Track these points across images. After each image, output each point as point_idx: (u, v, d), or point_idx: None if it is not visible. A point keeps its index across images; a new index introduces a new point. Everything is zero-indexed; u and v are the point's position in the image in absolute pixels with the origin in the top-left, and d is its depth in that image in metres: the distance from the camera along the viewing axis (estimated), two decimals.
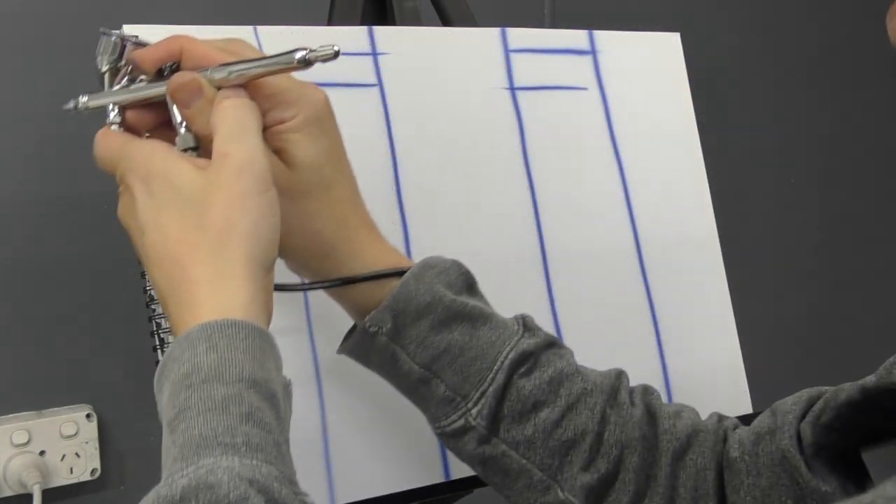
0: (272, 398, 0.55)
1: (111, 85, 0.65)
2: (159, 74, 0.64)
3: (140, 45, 0.65)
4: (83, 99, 0.65)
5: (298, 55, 0.61)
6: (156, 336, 0.72)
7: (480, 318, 0.68)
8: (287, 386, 0.58)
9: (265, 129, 0.63)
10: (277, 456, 0.52)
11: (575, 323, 0.88)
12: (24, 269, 1.08)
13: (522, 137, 0.88)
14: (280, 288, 0.65)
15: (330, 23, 0.89)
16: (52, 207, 1.10)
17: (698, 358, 0.92)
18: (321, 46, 0.61)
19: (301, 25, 0.81)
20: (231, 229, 0.57)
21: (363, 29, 0.84)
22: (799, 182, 1.74)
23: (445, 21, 0.94)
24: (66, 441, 1.09)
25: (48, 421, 1.08)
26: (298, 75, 0.64)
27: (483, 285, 0.79)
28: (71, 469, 1.09)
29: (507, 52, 0.90)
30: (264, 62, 0.62)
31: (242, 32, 0.78)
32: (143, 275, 0.72)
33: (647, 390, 0.72)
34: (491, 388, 0.67)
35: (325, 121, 0.66)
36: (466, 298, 0.68)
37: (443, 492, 0.80)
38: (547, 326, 0.86)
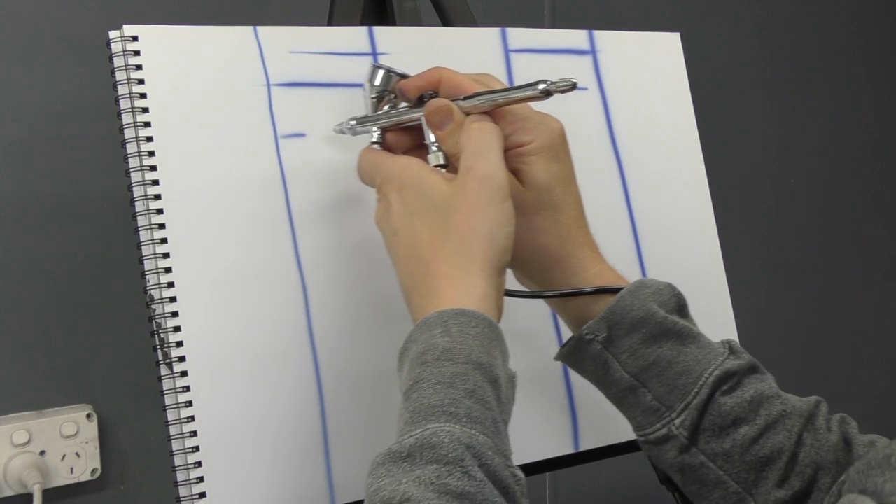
0: (494, 381, 0.61)
1: (375, 110, 0.75)
2: (419, 102, 0.74)
3: (403, 76, 0.75)
4: (352, 122, 0.76)
5: (541, 87, 0.68)
6: (156, 336, 0.72)
7: (689, 336, 0.72)
8: (513, 377, 0.65)
9: (506, 151, 0.70)
10: (494, 431, 0.59)
11: None
12: (23, 269, 1.08)
13: None
14: (511, 293, 0.72)
15: (330, 23, 0.89)
16: (52, 207, 1.09)
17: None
18: (560, 80, 0.68)
19: (301, 25, 0.81)
20: (472, 234, 0.65)
21: (363, 29, 0.84)
22: (799, 182, 1.74)
23: (445, 21, 0.94)
24: (66, 441, 1.09)
25: (48, 421, 1.08)
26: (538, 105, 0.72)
27: None
28: (71, 469, 1.09)
29: (507, 52, 0.90)
30: (509, 93, 0.70)
31: (242, 32, 0.78)
32: (143, 275, 0.72)
33: (844, 420, 0.74)
34: (694, 402, 0.71)
35: (559, 148, 0.73)
36: (677, 318, 0.73)
37: None
38: (547, 326, 0.86)
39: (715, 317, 0.96)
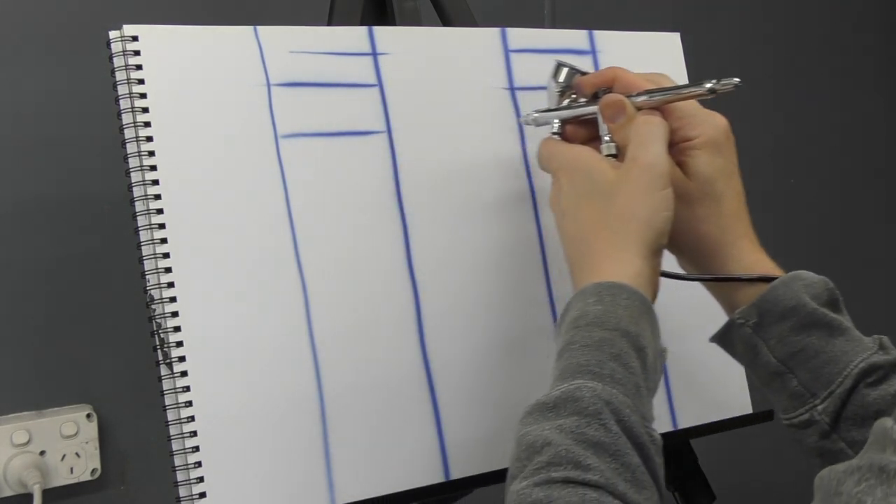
0: (640, 350, 0.66)
1: (557, 104, 0.82)
2: (594, 97, 0.79)
3: (582, 73, 0.82)
4: (535, 114, 0.83)
5: (707, 86, 0.75)
6: (156, 336, 0.72)
7: (838, 329, 0.74)
8: (662, 352, 0.70)
9: (673, 145, 0.77)
10: (635, 394, 0.64)
11: None
12: (23, 269, 1.08)
13: (522, 137, 0.88)
14: (667, 275, 0.77)
15: (330, 23, 0.89)
16: (52, 207, 1.09)
17: (698, 357, 0.92)
18: (725, 79, 0.74)
19: (301, 25, 0.81)
20: (631, 216, 0.71)
21: (363, 29, 0.84)
22: (799, 182, 1.74)
23: (445, 21, 0.94)
24: (66, 441, 1.09)
25: (48, 421, 1.08)
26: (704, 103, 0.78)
27: (482, 284, 0.79)
28: (71, 469, 1.09)
29: (507, 52, 0.90)
30: (677, 91, 0.77)
31: (242, 32, 0.78)
32: (143, 275, 0.72)
33: None
34: (838, 391, 0.73)
35: (723, 144, 0.80)
36: (828, 311, 0.75)
37: (443, 492, 0.80)
38: (547, 325, 0.86)
39: (715, 317, 0.96)
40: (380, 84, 0.83)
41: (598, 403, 0.61)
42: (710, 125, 0.79)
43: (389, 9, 0.91)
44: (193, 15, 1.12)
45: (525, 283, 0.86)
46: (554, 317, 0.87)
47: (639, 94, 0.77)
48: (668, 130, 0.75)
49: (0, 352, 1.08)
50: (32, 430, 1.07)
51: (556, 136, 0.81)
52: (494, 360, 0.84)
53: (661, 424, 0.90)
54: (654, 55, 0.98)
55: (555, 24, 1.42)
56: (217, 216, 0.75)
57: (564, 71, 0.82)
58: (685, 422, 0.92)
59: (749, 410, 0.95)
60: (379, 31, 0.84)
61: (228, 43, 0.78)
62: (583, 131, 0.80)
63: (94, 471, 1.10)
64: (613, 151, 0.76)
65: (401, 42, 0.85)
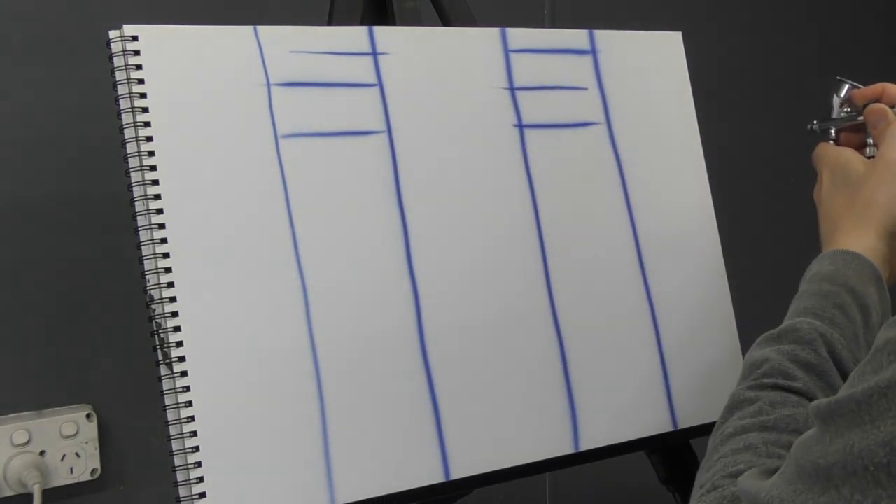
0: (864, 307, 0.75)
1: (837, 115, 0.92)
2: (865, 108, 0.88)
3: (856, 87, 0.91)
4: (817, 123, 0.93)
5: None
6: (156, 336, 0.72)
7: None
8: (890, 314, 0.77)
9: None
10: (853, 339, 0.72)
11: (575, 323, 0.88)
12: (24, 269, 1.08)
13: (522, 137, 0.88)
14: None
15: (330, 23, 0.89)
16: (52, 207, 1.09)
17: (698, 357, 0.93)
18: None
19: (301, 25, 0.81)
20: (872, 202, 0.80)
21: (363, 29, 0.84)
22: (799, 182, 1.74)
23: (445, 21, 0.94)
24: (66, 441, 1.09)
25: (48, 421, 1.08)
26: None
27: (482, 284, 0.79)
28: (71, 469, 1.09)
29: (507, 52, 0.90)
30: None
31: (242, 32, 0.78)
32: (143, 275, 0.72)
33: None
34: None
35: None
36: None
37: (443, 492, 0.80)
38: (547, 326, 0.86)
39: (715, 317, 0.96)
40: (380, 84, 0.83)
41: (814, 334, 0.71)
42: None
43: (389, 9, 0.91)
44: (193, 15, 1.12)
45: (525, 283, 0.86)
46: (554, 316, 0.87)
47: None
48: None
49: (0, 352, 1.08)
50: (32, 430, 1.07)
51: (831, 142, 0.91)
52: (494, 360, 0.84)
53: (662, 424, 0.90)
54: (655, 54, 0.98)
55: (555, 24, 1.42)
56: (217, 216, 0.75)
57: (844, 86, 0.92)
58: (685, 422, 0.92)
59: None
60: (379, 30, 0.84)
61: (228, 43, 0.78)
62: (855, 138, 0.90)
63: (93, 471, 1.10)
64: (875, 154, 0.85)
65: (401, 42, 0.84)
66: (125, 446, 1.13)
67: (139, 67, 0.74)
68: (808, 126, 0.96)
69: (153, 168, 0.73)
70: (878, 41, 1.83)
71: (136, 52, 0.74)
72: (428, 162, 0.84)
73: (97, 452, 1.10)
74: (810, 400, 0.68)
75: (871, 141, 0.87)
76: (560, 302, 0.87)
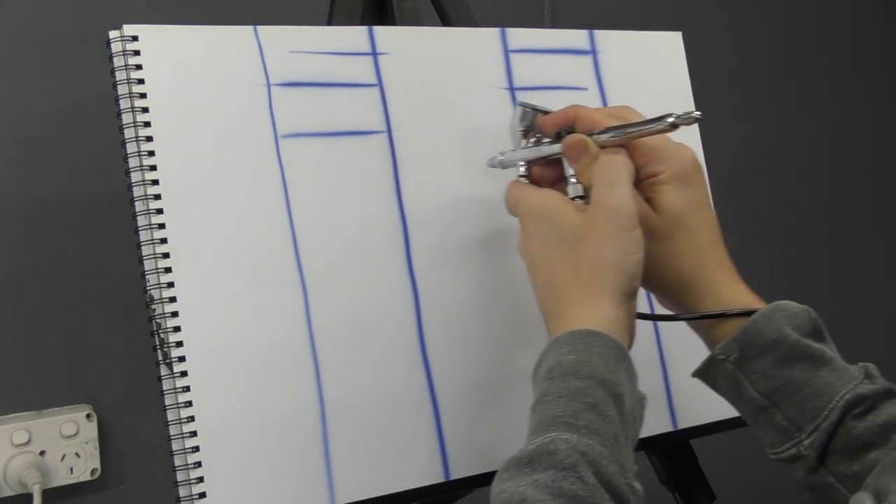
0: (618, 398, 0.64)
1: (520, 145, 0.80)
2: (558, 137, 0.77)
3: (544, 112, 0.79)
4: (500, 156, 0.81)
5: (668, 121, 0.73)
6: (156, 336, 0.72)
7: (822, 360, 0.72)
8: (642, 399, 0.68)
9: (641, 181, 0.75)
10: (614, 444, 0.62)
11: None
12: (23, 269, 1.08)
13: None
14: (641, 316, 0.75)
15: (330, 23, 0.89)
16: (52, 207, 1.09)
17: (698, 358, 0.93)
18: (685, 112, 0.72)
19: (301, 25, 0.81)
20: (600, 262, 0.69)
21: (363, 29, 0.84)
22: (799, 182, 1.74)
23: (445, 21, 0.94)
24: (66, 441, 1.09)
25: (48, 421, 1.08)
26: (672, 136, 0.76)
27: (482, 284, 0.79)
28: (71, 469, 1.09)
29: (507, 52, 0.90)
30: (638, 127, 0.74)
31: (242, 32, 0.78)
32: (143, 275, 0.72)
33: None
34: (824, 424, 0.71)
35: (690, 175, 0.77)
36: (811, 342, 0.73)
37: (443, 492, 0.80)
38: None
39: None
40: (380, 84, 0.83)
41: (574, 456, 0.59)
42: (676, 158, 0.77)
43: (389, 9, 0.91)
44: (193, 15, 1.12)
45: (525, 282, 0.86)
46: None
47: (601, 133, 0.75)
48: (632, 168, 0.74)
49: (0, 352, 1.08)
50: (32, 430, 1.07)
51: (523, 179, 0.79)
52: (495, 360, 0.84)
53: (661, 424, 0.90)
54: (656, 55, 0.98)
55: (555, 24, 1.42)
56: (217, 216, 0.75)
57: (526, 112, 0.80)
58: (685, 422, 0.92)
59: None
60: (379, 30, 0.84)
61: (228, 43, 0.78)
62: (551, 172, 0.78)
63: (93, 471, 1.10)
64: (580, 193, 0.75)
65: (401, 42, 0.85)
66: (125, 446, 1.13)
67: (139, 67, 0.74)
68: (489, 161, 0.82)
69: (153, 168, 0.73)
70: (879, 41, 1.83)
71: (136, 52, 0.74)
72: (428, 162, 0.84)
73: (97, 452, 1.10)
74: None
75: (573, 178, 0.75)
76: None
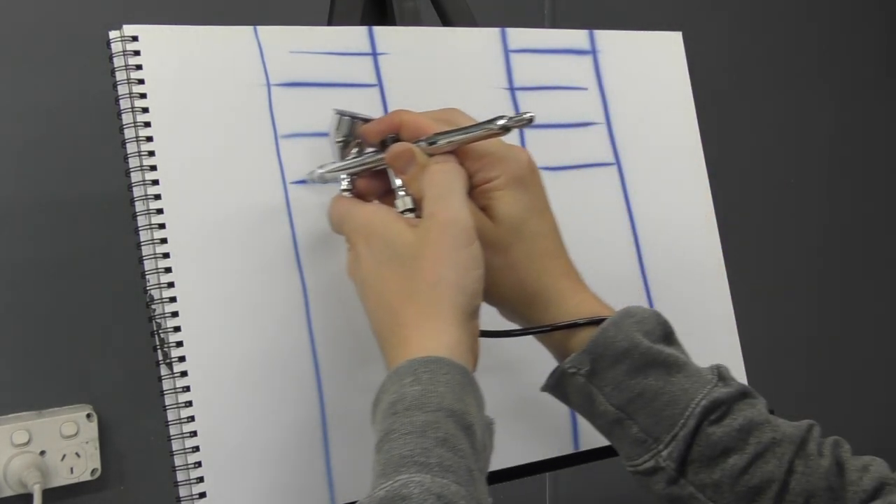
0: (468, 428, 0.60)
1: (342, 156, 0.74)
2: (383, 146, 0.72)
3: (366, 120, 0.74)
4: (320, 169, 0.75)
5: (499, 123, 0.68)
6: (156, 336, 0.72)
7: (675, 365, 0.71)
8: (490, 424, 0.64)
9: (474, 188, 0.71)
10: (469, 479, 0.57)
11: None
12: (23, 269, 1.08)
13: (522, 138, 0.88)
14: (485, 334, 0.70)
15: (330, 23, 0.89)
16: (51, 207, 1.09)
17: (699, 359, 0.93)
18: (518, 114, 0.68)
19: (301, 25, 0.81)
20: (438, 280, 0.64)
21: (363, 29, 0.84)
22: (799, 182, 1.74)
23: (445, 21, 0.94)
24: (66, 441, 1.09)
25: (48, 421, 1.08)
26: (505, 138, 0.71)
27: None
28: (71, 469, 1.09)
29: (507, 52, 0.90)
30: (468, 131, 0.70)
31: (242, 32, 0.78)
32: (143, 275, 0.72)
33: (837, 443, 0.72)
34: (681, 433, 0.69)
35: (527, 179, 0.72)
36: (663, 347, 0.71)
37: None
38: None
39: (716, 318, 0.96)
40: (380, 84, 0.83)
41: (430, 499, 0.54)
42: (510, 162, 0.72)
43: (389, 9, 0.91)
44: (193, 15, 1.12)
45: None
46: None
47: (428, 139, 0.70)
48: (465, 176, 0.70)
49: (0, 352, 1.08)
50: (32, 430, 1.07)
51: (346, 194, 0.73)
52: (494, 359, 0.84)
53: None
54: (655, 54, 0.98)
55: (555, 24, 1.42)
56: (217, 216, 0.75)
57: (344, 120, 0.74)
58: None
59: None
60: (379, 31, 0.84)
61: (228, 43, 0.78)
62: (376, 184, 0.73)
63: (94, 471, 1.10)
64: (410, 205, 0.70)
65: (401, 42, 0.85)
66: (125, 446, 1.13)
67: (139, 67, 0.74)
68: (308, 175, 0.76)
69: (153, 168, 0.73)
70: (879, 41, 1.83)
71: (136, 53, 0.74)
72: None
73: (97, 452, 1.11)
74: None
75: (402, 191, 0.70)
76: None
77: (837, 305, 1.79)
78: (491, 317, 0.74)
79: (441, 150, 0.70)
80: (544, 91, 0.88)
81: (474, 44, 0.89)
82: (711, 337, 0.95)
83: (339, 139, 0.74)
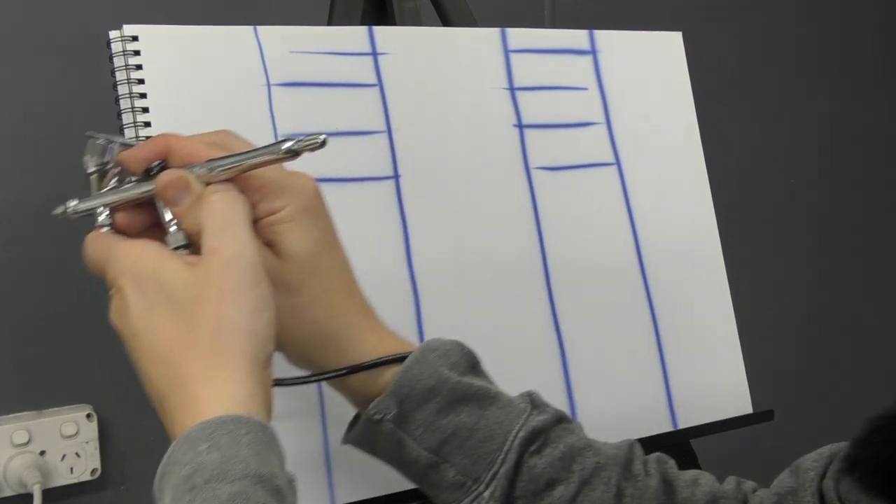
0: (278, 493, 0.53)
1: (99, 187, 0.65)
2: (147, 174, 0.63)
3: (127, 145, 0.65)
4: (72, 203, 0.66)
5: (285, 146, 0.61)
6: None
7: (487, 398, 0.67)
8: (292, 481, 0.57)
9: (256, 222, 0.62)
10: None
11: (574, 324, 0.88)
12: (23, 269, 1.08)
13: (522, 138, 0.88)
14: (279, 383, 0.64)
15: (330, 23, 0.89)
16: (52, 207, 1.09)
17: (699, 359, 0.93)
18: (308, 136, 0.61)
19: (301, 25, 0.81)
20: (224, 326, 0.56)
21: (363, 29, 0.84)
22: (799, 182, 1.74)
23: (445, 21, 0.94)
24: (66, 441, 1.09)
25: (48, 421, 1.08)
26: (289, 165, 0.63)
27: (482, 285, 0.79)
28: (71, 469, 1.09)
29: (507, 52, 0.90)
30: (250, 155, 0.62)
31: (242, 32, 0.78)
32: None
33: (660, 459, 0.71)
34: (502, 470, 0.66)
35: (315, 209, 0.65)
36: (471, 379, 0.67)
37: None
38: (546, 327, 0.86)
39: (716, 318, 0.96)
40: (380, 84, 0.83)
41: None
42: (296, 191, 0.64)
43: (389, 9, 0.91)
44: (193, 15, 1.12)
45: (525, 283, 0.86)
46: (554, 317, 0.87)
47: (202, 165, 0.61)
48: (249, 206, 0.61)
49: (0, 352, 1.08)
50: (32, 430, 1.07)
51: (105, 230, 0.63)
52: (494, 360, 0.84)
53: (661, 424, 0.90)
54: (655, 54, 0.98)
55: (555, 24, 1.42)
56: None
57: (96, 145, 0.65)
58: (685, 422, 0.92)
59: (749, 410, 0.95)
60: (379, 31, 0.84)
61: (228, 43, 0.78)
62: (140, 217, 0.63)
63: (94, 471, 1.10)
64: (182, 241, 0.61)
65: (401, 42, 0.85)
66: (125, 446, 1.13)
67: (139, 67, 0.74)
68: (58, 209, 0.67)
69: None
70: (879, 41, 1.83)
71: (136, 53, 0.74)
72: (428, 162, 0.84)
73: (97, 452, 1.11)
74: None
75: (174, 226, 0.61)
76: (560, 302, 0.87)
77: (837, 305, 1.79)
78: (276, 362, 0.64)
79: (219, 178, 0.61)
80: (544, 91, 0.88)
81: (474, 44, 0.89)
82: (711, 337, 0.95)
83: (94, 168, 0.65)
